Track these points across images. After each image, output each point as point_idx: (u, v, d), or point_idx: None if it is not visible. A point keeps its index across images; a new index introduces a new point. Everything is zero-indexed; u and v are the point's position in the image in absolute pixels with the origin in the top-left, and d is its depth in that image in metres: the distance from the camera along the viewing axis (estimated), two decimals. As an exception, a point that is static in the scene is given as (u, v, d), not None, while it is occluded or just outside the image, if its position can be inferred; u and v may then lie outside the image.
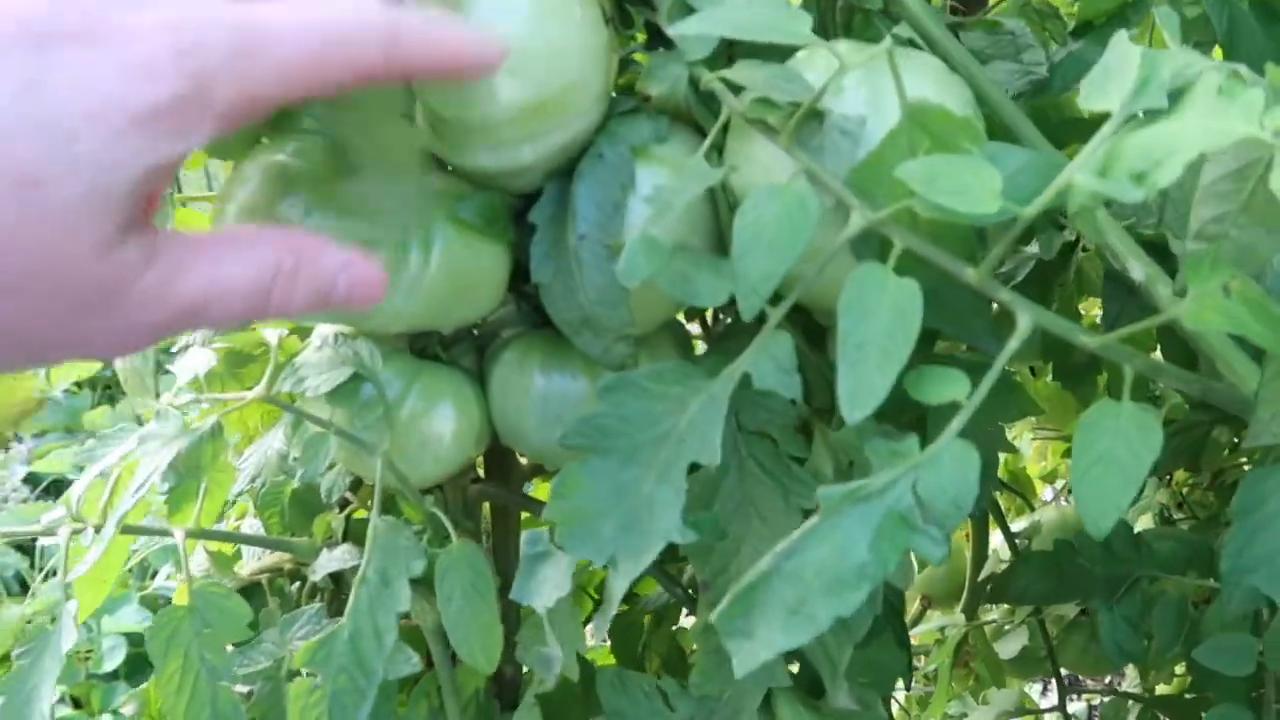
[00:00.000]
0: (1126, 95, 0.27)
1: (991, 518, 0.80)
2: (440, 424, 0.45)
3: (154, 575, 1.51)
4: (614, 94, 0.41)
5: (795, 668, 0.49)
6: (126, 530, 0.53)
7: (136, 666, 1.57)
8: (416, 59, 0.29)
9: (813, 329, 0.45)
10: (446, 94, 0.38)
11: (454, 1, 0.37)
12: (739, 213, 0.33)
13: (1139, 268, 0.36)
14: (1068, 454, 1.07)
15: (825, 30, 0.44)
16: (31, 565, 1.69)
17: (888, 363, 0.31)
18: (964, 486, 0.31)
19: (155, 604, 1.62)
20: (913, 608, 0.91)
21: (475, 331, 0.49)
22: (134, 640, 1.58)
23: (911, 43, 0.39)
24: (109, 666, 1.54)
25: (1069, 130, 0.52)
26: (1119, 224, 0.35)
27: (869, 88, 0.34)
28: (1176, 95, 0.27)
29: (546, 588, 0.37)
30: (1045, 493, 1.19)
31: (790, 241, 0.33)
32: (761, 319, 0.34)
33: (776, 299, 0.34)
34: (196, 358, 0.56)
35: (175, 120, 0.24)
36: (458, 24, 0.33)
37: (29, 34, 0.23)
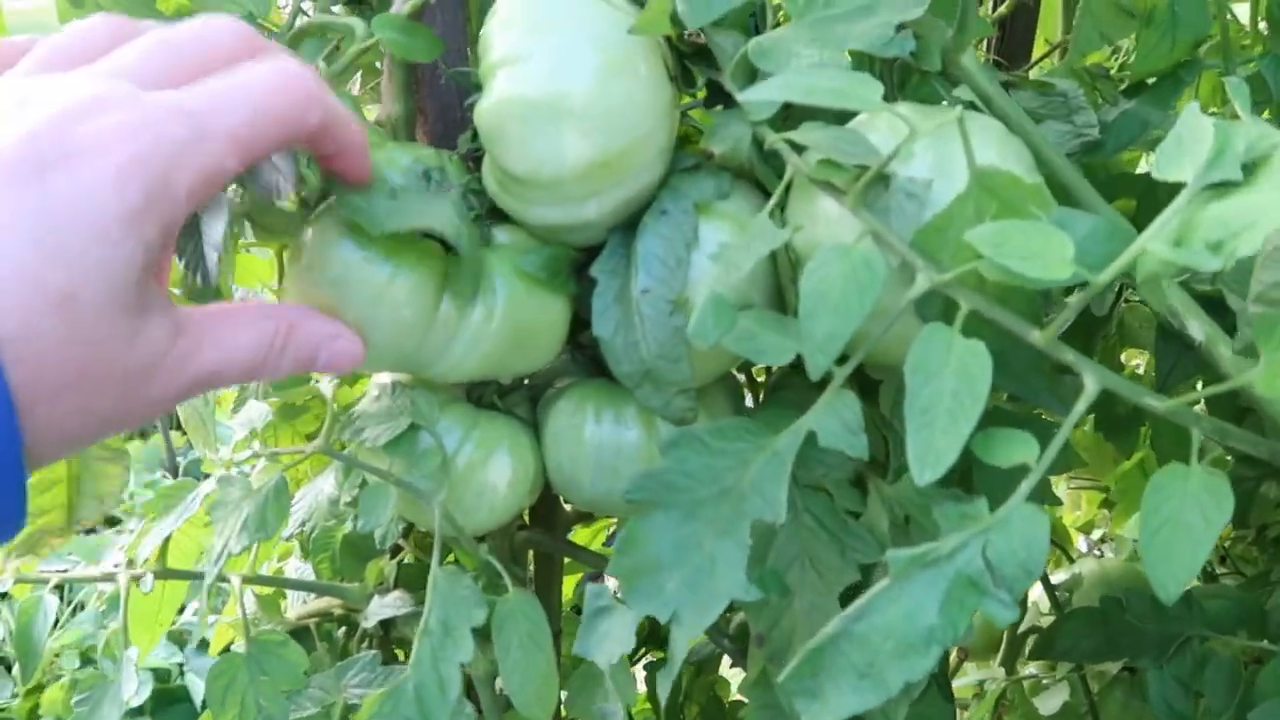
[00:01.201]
0: (1201, 166, 0.27)
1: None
2: (497, 473, 0.45)
3: (181, 610, 1.52)
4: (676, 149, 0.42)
5: None
6: (177, 575, 0.54)
7: (162, 702, 1.57)
8: (340, 129, 0.33)
9: (865, 381, 0.46)
10: (516, 152, 0.39)
11: (521, 61, 0.38)
12: (805, 272, 0.34)
13: (1199, 328, 0.36)
14: (1104, 504, 1.06)
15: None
16: (61, 599, 1.70)
17: (955, 425, 0.31)
18: (1034, 550, 0.31)
19: (182, 640, 1.62)
20: (949, 659, 0.90)
21: (528, 381, 0.50)
22: (160, 676, 1.58)
23: (971, 105, 0.40)
24: (135, 702, 1.54)
25: (1116, 186, 0.52)
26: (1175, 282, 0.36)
27: (935, 151, 0.35)
28: (1250, 167, 0.27)
29: (609, 643, 0.37)
30: (1079, 542, 1.17)
31: (857, 302, 0.33)
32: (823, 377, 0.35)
33: (842, 358, 0.34)
34: (253, 411, 0.57)
35: (152, 213, 0.27)
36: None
37: (28, 168, 0.26)
